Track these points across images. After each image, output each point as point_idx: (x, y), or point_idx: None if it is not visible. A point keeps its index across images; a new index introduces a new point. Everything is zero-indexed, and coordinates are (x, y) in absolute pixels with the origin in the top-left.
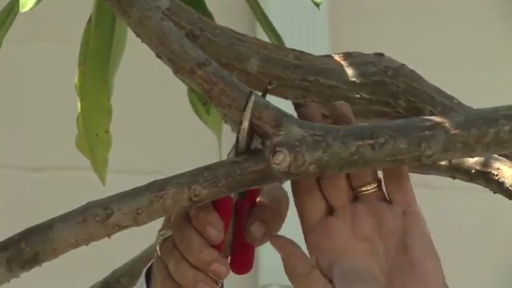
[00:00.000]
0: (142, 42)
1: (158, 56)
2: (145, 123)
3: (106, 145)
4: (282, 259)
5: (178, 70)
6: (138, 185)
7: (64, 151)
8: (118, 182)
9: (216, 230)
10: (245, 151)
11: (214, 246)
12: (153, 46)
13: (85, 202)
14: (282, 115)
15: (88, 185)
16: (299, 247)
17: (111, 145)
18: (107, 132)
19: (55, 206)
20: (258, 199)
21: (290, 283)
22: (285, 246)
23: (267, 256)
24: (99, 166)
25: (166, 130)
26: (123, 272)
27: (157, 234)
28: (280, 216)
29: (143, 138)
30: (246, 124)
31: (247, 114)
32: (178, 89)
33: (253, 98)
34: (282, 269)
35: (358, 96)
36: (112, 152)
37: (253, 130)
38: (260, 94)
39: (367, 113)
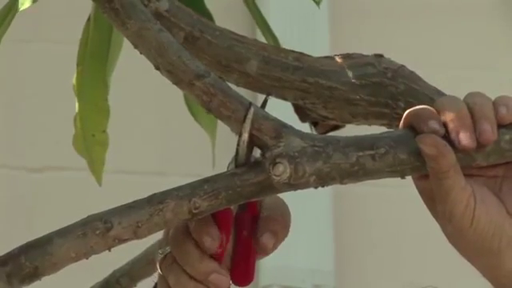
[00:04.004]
0: (141, 53)
1: (157, 68)
2: (143, 123)
3: (103, 145)
4: (431, 155)
5: (176, 82)
6: (137, 185)
7: (64, 152)
8: (117, 183)
9: (211, 237)
10: (245, 163)
11: (214, 258)
12: (151, 58)
13: (85, 203)
14: (281, 126)
15: (88, 185)
16: None
17: (108, 145)
18: (104, 132)
19: (55, 206)
20: (265, 212)
21: (290, 284)
22: (436, 141)
23: (268, 257)
24: (96, 166)
25: (164, 131)
26: (123, 272)
27: (156, 253)
28: (287, 228)
29: (141, 139)
30: (245, 136)
31: (247, 126)
32: (177, 89)
33: (252, 109)
34: (283, 269)
35: (357, 97)
36: (112, 152)
37: (253, 142)
38: (259, 99)
39: (367, 114)
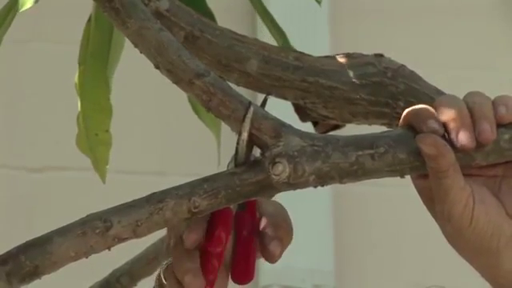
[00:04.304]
0: (141, 52)
1: (157, 67)
2: (145, 123)
3: (107, 144)
4: (431, 155)
5: (176, 81)
6: (137, 185)
7: (64, 151)
8: (119, 183)
9: (188, 231)
10: (244, 162)
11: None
12: (151, 57)
13: (85, 203)
14: (281, 125)
15: (88, 185)
16: None
17: (111, 144)
18: (107, 131)
19: (55, 206)
20: (269, 219)
21: (290, 284)
22: (436, 141)
23: None
24: (100, 166)
25: (167, 130)
26: (123, 272)
27: (160, 265)
28: (291, 234)
29: (144, 138)
30: (245, 135)
31: (246, 125)
32: (179, 89)
33: (252, 108)
34: (283, 269)
35: (357, 97)
36: (112, 152)
37: (252, 141)
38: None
39: (367, 114)
